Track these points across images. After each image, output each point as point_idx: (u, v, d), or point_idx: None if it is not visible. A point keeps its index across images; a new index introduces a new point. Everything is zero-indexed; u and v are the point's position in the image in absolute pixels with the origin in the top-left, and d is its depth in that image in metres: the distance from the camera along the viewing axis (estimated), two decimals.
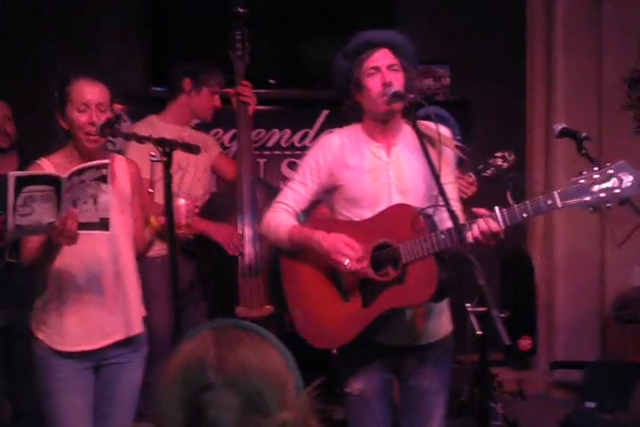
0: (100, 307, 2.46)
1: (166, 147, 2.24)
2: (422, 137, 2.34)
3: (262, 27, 3.83)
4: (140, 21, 4.00)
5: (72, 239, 2.23)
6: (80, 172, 2.20)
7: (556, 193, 2.18)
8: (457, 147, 2.50)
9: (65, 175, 2.16)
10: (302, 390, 1.06)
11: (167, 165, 2.22)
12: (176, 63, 3.37)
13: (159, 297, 2.79)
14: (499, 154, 3.14)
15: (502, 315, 2.01)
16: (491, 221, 2.20)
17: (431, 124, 2.40)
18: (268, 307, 3.12)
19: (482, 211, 2.24)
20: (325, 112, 4.15)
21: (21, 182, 2.10)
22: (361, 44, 2.41)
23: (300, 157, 4.15)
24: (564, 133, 2.49)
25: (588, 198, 2.15)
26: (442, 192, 2.27)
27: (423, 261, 2.29)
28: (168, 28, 3.95)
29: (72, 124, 2.41)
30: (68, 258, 2.38)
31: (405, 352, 2.46)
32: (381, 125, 2.45)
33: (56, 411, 2.44)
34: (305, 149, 4.17)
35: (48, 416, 2.47)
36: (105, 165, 2.25)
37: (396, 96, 2.37)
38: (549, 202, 2.17)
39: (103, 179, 2.23)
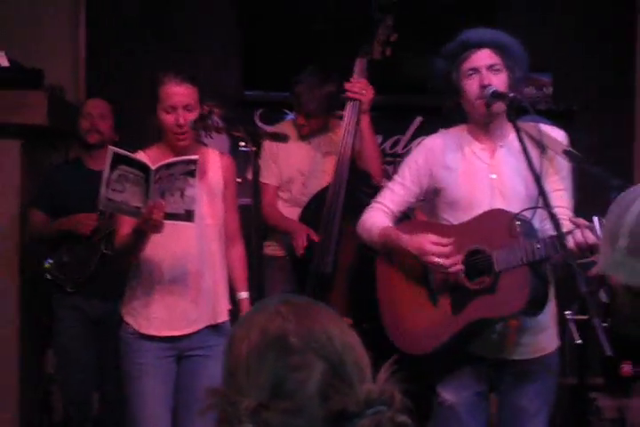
0: (185, 297, 2.53)
1: (256, 137, 2.30)
2: (522, 138, 2.24)
3: None
4: (235, 24, 4.03)
5: (157, 228, 2.33)
6: (169, 166, 2.31)
7: None
8: (565, 151, 2.36)
9: (154, 167, 2.27)
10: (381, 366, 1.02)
11: (256, 155, 2.27)
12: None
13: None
14: None
15: (605, 324, 1.89)
16: (587, 233, 2.06)
17: (543, 127, 2.29)
18: (346, 319, 3.01)
19: (580, 221, 2.11)
20: (419, 119, 4.07)
21: (118, 160, 2.25)
22: (459, 44, 2.34)
23: (390, 163, 4.11)
24: None
25: None
26: (543, 195, 2.16)
27: (517, 270, 2.17)
28: (263, 31, 3.96)
29: (161, 123, 2.51)
30: (158, 249, 2.48)
31: (502, 366, 2.33)
32: (485, 128, 2.36)
33: (136, 394, 2.54)
34: (396, 156, 4.12)
35: (129, 400, 2.56)
36: (194, 161, 2.34)
37: (496, 96, 2.29)
38: None
39: (191, 173, 2.34)
